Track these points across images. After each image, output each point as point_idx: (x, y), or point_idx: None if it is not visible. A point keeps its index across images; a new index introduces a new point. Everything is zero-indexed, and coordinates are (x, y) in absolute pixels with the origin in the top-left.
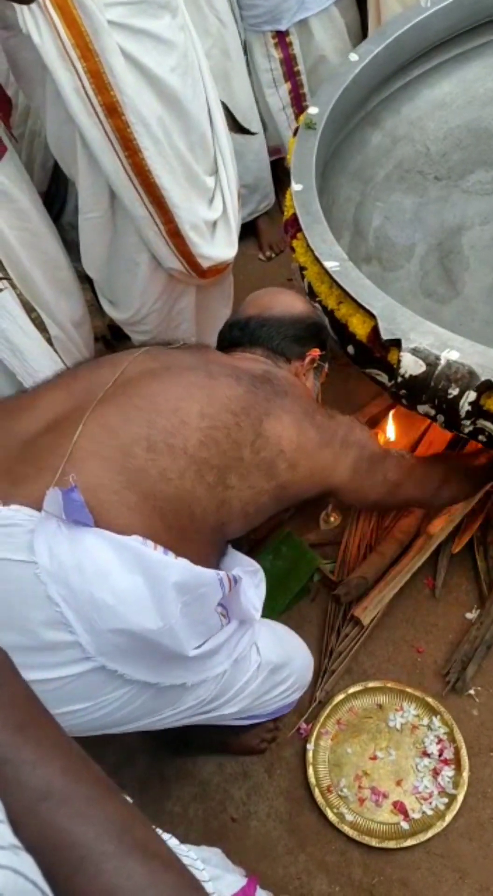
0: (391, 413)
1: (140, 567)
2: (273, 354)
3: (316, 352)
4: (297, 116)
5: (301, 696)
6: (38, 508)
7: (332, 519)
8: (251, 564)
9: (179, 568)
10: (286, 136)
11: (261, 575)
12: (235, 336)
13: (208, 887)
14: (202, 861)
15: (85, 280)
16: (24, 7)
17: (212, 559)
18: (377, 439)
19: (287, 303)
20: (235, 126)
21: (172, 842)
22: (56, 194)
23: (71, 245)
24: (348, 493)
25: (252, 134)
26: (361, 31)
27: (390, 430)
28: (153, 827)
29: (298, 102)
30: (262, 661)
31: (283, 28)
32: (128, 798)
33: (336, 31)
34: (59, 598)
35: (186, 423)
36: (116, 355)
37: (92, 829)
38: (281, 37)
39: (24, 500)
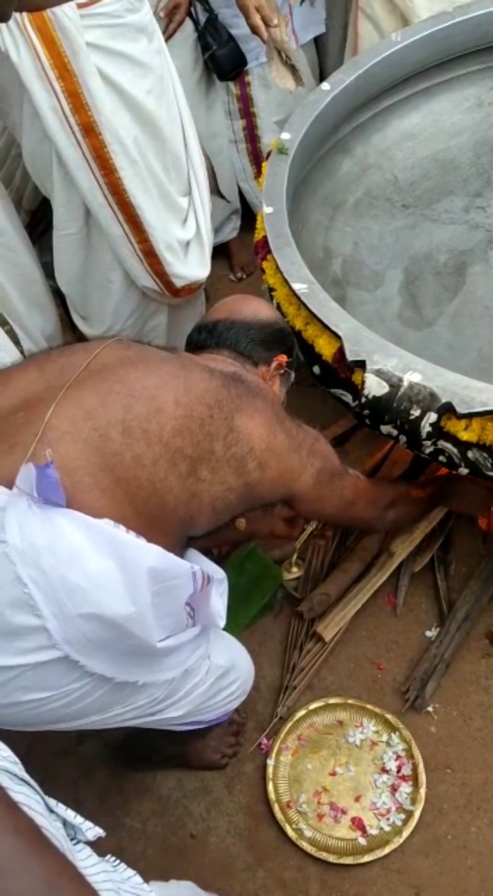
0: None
1: (113, 551)
2: (240, 357)
3: (283, 357)
4: (249, 152)
5: (257, 708)
6: (9, 486)
7: (294, 570)
8: (219, 572)
9: (154, 553)
10: (233, 167)
11: (226, 585)
12: (202, 339)
13: None
14: None
15: (57, 296)
16: (3, 26)
17: (177, 554)
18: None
19: (255, 308)
20: (217, 190)
21: (135, 879)
22: (45, 211)
23: None
24: (307, 503)
25: (228, 202)
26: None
27: None
28: (87, 882)
29: (252, 139)
30: (211, 665)
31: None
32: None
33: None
34: (29, 579)
35: (162, 410)
36: (89, 343)
37: (15, 885)
38: (242, 75)
39: None
